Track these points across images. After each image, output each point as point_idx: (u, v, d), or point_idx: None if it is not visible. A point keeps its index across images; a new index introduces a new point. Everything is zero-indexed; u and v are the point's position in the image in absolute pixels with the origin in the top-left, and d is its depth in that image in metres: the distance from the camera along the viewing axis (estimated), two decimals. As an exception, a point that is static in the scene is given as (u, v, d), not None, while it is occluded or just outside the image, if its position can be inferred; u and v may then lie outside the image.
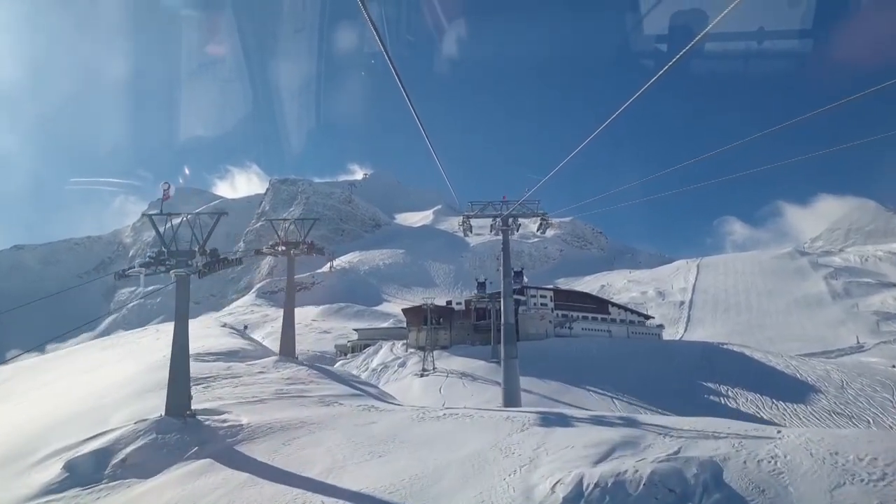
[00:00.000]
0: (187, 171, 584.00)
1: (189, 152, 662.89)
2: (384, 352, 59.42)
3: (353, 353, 66.14)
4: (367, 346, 65.01)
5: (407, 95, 8.03)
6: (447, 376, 49.62)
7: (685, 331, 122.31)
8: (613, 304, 68.91)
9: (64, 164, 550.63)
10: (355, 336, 73.66)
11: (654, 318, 76.92)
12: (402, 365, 53.43)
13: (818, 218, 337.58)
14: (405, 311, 64.34)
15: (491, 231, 27.92)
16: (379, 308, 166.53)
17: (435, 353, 53.98)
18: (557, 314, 61.76)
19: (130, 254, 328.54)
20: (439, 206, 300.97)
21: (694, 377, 51.77)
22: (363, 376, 55.91)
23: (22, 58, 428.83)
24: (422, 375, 50.23)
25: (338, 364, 68.09)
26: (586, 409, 41.93)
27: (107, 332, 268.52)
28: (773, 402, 45.65)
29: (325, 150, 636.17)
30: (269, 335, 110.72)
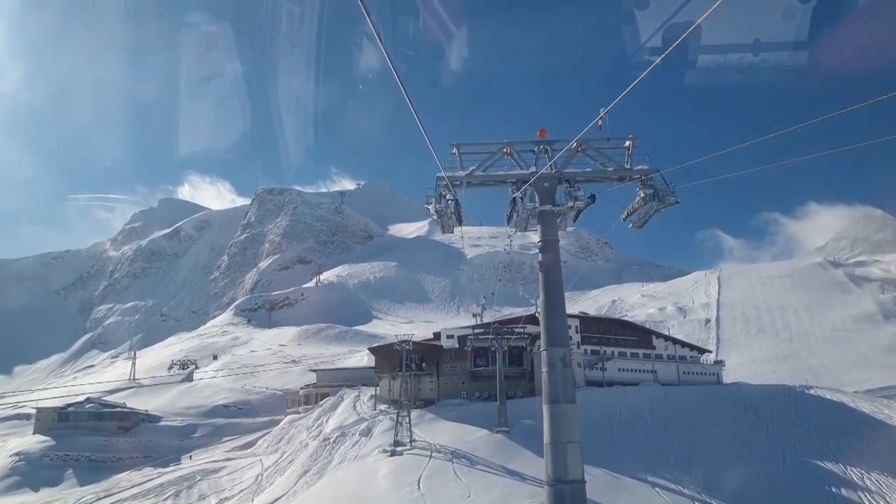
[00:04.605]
0: (187, 186, 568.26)
1: (186, 167, 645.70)
2: (345, 407, 42.47)
3: (306, 404, 49.24)
4: (325, 395, 47.91)
5: (405, 91, 6.51)
6: (431, 456, 32.68)
7: (717, 355, 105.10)
8: (658, 335, 52.12)
9: (63, 178, 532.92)
10: (315, 378, 56.17)
11: (710, 351, 60.29)
12: (367, 433, 36.38)
13: (818, 228, 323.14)
14: (373, 350, 47.15)
15: (510, 221, 10.76)
16: (365, 328, 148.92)
17: (415, 413, 37.12)
18: (586, 350, 44.95)
19: (110, 269, 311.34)
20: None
21: (798, 451, 34.88)
22: (312, 446, 38.94)
23: (20, 74, 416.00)
24: (393, 453, 33.36)
25: (286, 420, 51.06)
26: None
27: (81, 352, 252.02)
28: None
29: (321, 164, 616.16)
30: (226, 366, 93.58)
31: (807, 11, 34.39)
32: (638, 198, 10.33)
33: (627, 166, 10.58)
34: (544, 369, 9.59)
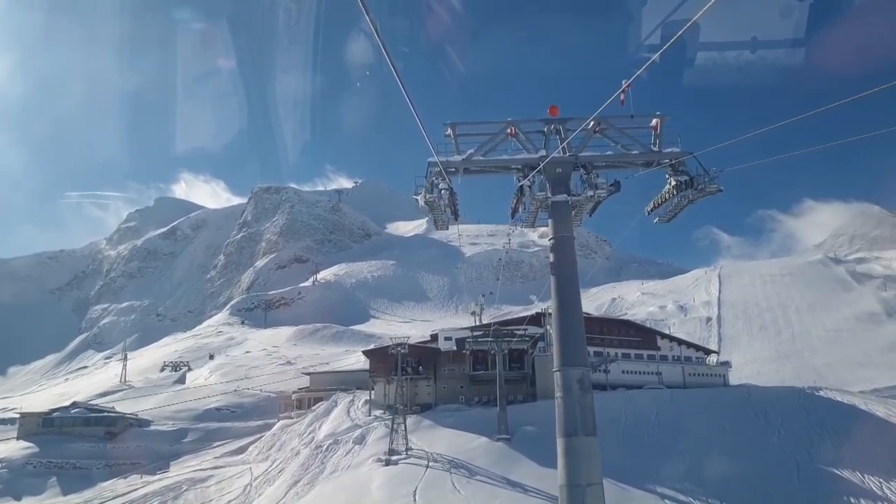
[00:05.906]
0: (182, 184, 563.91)
1: (181, 164, 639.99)
2: (339, 412, 40.82)
3: (299, 408, 47.60)
4: (319, 399, 46.26)
5: (395, 71, 6.23)
6: (428, 466, 31.06)
7: (719, 354, 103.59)
8: (663, 336, 50.61)
9: (57, 176, 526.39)
10: (308, 381, 54.39)
11: (716, 352, 58.79)
12: (360, 441, 34.72)
13: (815, 225, 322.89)
14: (368, 353, 45.56)
15: (514, 215, 8.71)
16: (363, 328, 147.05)
17: (411, 419, 35.48)
18: (589, 352, 43.24)
19: (105, 268, 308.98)
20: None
21: (812, 458, 33.32)
22: (304, 454, 37.29)
23: (10, 69, 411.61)
24: (388, 462, 31.72)
25: (278, 425, 49.37)
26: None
27: (76, 352, 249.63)
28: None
29: (317, 162, 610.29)
30: (219, 367, 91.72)
31: (804, 9, 34.00)
32: (668, 186, 8.59)
33: (655, 149, 8.86)
34: (558, 394, 7.92)
